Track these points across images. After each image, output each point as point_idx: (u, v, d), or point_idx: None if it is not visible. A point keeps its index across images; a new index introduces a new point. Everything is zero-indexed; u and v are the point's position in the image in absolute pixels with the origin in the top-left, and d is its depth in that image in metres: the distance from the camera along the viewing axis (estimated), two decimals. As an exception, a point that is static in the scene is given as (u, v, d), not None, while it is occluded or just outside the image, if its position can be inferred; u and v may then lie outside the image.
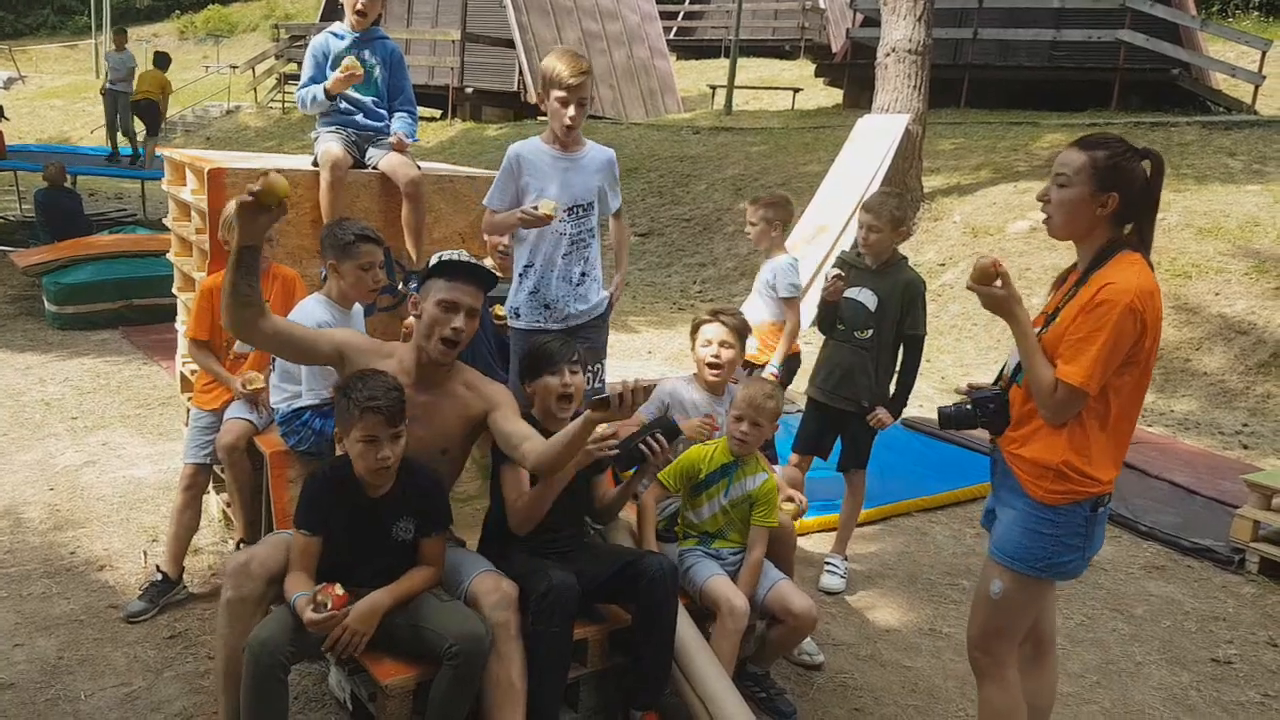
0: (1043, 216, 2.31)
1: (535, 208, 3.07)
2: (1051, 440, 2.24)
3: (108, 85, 13.51)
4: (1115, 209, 2.22)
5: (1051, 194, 2.27)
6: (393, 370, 2.57)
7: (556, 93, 3.12)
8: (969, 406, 2.39)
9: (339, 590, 2.34)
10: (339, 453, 2.54)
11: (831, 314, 3.72)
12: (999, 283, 2.23)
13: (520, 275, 3.30)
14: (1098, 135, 2.27)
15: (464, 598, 2.55)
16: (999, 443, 2.39)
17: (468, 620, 2.43)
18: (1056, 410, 2.21)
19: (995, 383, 2.44)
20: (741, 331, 3.37)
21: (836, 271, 3.61)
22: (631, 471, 2.96)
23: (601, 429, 2.41)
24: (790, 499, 3.21)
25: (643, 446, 2.80)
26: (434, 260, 2.66)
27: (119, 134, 13.61)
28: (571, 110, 3.13)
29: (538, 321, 3.27)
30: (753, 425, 3.00)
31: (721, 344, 3.30)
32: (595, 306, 3.33)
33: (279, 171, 2.37)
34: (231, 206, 3.43)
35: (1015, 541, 2.31)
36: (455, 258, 2.64)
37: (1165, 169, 2.28)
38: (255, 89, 21.51)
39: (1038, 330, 2.29)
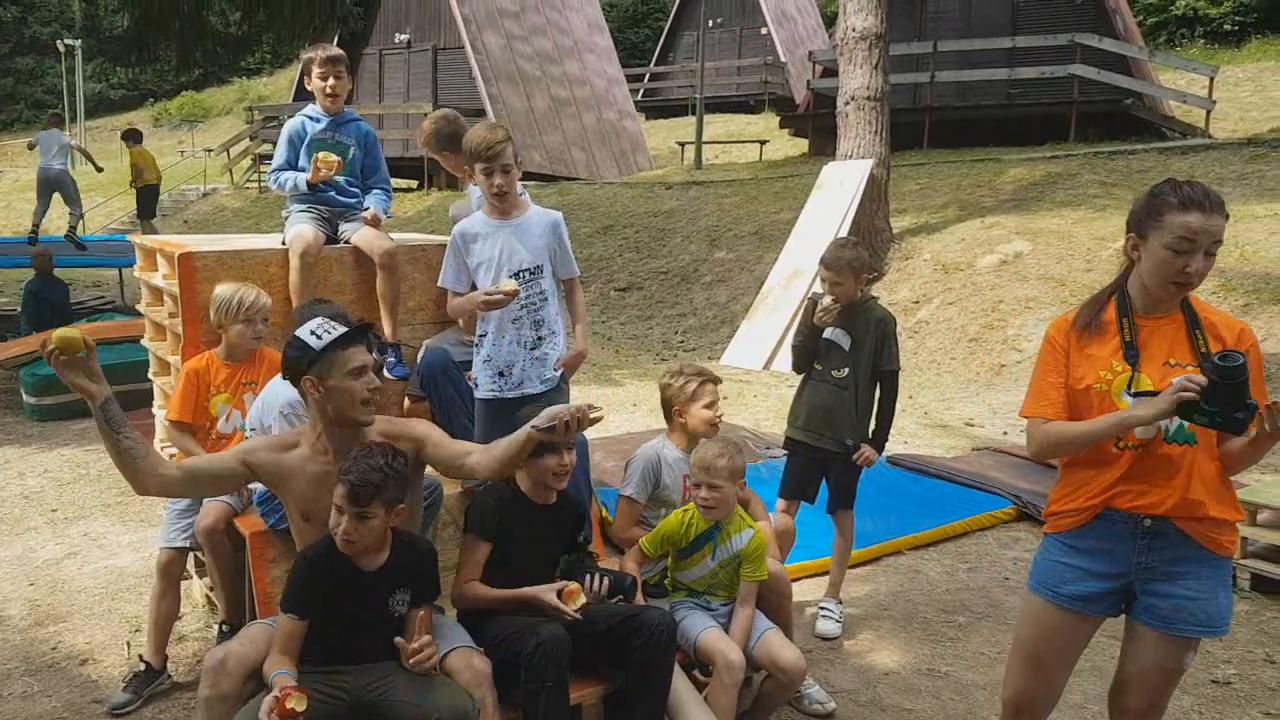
0: (1183, 283, 2.25)
1: (497, 288, 3.11)
2: (1222, 495, 2.22)
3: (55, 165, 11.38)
4: None
5: (1205, 265, 2.23)
6: (303, 456, 2.53)
7: (479, 165, 3.21)
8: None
9: (291, 704, 2.22)
10: None
11: (810, 352, 3.75)
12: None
13: (477, 344, 3.34)
14: (1196, 186, 2.31)
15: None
16: (1168, 517, 2.20)
17: (455, 695, 2.40)
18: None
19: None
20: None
21: (832, 296, 3.57)
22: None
23: (580, 599, 2.67)
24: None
25: (589, 580, 2.84)
26: (313, 339, 2.48)
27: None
28: (497, 179, 3.21)
29: (494, 390, 3.29)
30: (710, 489, 2.96)
31: (719, 402, 3.35)
32: (550, 379, 3.34)
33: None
34: (221, 289, 3.47)
35: (1225, 605, 2.26)
36: (321, 332, 2.50)
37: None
38: (231, 170, 21.72)
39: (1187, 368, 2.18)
